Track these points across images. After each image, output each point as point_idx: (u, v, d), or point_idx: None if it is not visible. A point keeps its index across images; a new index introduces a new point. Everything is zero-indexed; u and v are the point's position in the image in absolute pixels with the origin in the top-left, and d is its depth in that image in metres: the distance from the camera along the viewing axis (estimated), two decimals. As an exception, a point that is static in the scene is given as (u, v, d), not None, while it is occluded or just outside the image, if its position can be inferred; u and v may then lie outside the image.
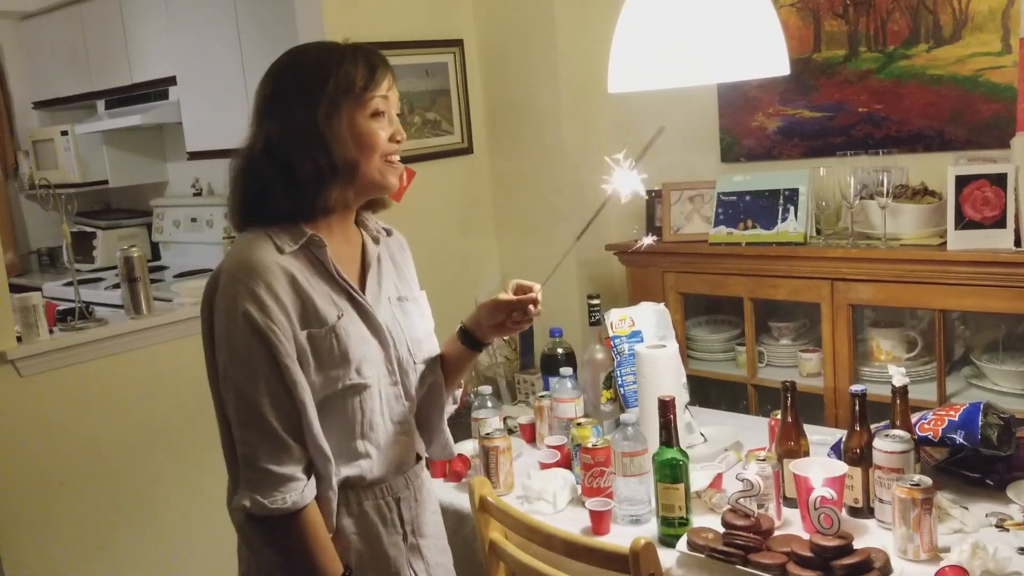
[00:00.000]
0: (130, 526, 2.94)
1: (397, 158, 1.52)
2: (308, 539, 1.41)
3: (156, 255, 5.02)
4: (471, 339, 1.65)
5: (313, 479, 1.43)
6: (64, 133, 4.79)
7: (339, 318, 1.46)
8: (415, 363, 1.59)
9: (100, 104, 4.95)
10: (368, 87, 1.46)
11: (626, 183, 1.63)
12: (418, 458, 1.64)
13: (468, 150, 3.42)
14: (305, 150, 1.44)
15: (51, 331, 2.84)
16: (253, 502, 1.39)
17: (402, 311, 1.60)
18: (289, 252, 1.45)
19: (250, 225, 1.50)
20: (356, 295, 1.51)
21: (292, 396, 1.40)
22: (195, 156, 4.22)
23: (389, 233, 1.67)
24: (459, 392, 1.79)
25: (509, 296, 1.59)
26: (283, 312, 1.40)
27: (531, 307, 1.57)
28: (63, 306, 3.18)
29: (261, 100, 1.50)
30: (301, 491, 1.40)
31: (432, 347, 1.66)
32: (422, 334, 1.63)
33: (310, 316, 1.44)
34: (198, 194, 4.82)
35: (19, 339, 2.73)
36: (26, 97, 5.22)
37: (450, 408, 1.74)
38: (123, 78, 4.59)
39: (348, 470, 1.49)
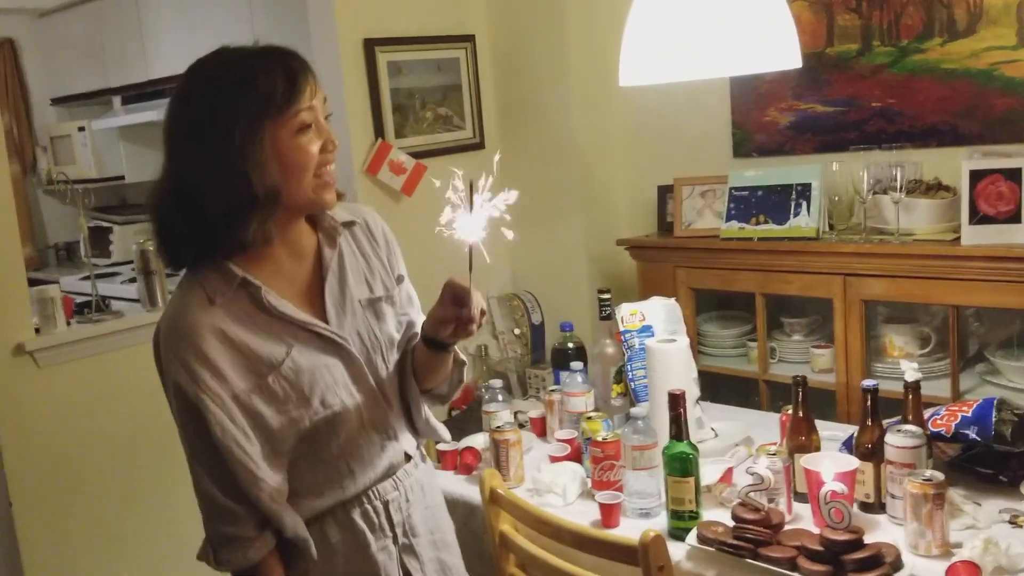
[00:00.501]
0: (146, 516, 2.96)
1: (331, 168, 1.38)
2: None
3: (171, 250, 5.05)
4: (436, 343, 1.51)
5: (267, 534, 1.39)
6: (81, 129, 4.83)
7: (287, 355, 1.38)
8: (388, 367, 1.52)
9: (116, 100, 4.98)
10: (291, 101, 1.31)
11: (471, 228, 1.44)
12: (408, 457, 1.56)
13: (480, 145, 3.43)
14: (219, 184, 1.30)
15: (68, 323, 2.87)
16: (206, 557, 1.43)
17: (375, 314, 1.50)
18: (221, 301, 1.36)
19: (179, 263, 1.41)
20: (308, 326, 1.41)
21: (229, 463, 1.34)
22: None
23: (350, 223, 1.53)
24: (458, 385, 1.65)
25: (445, 312, 1.45)
26: (215, 376, 1.32)
27: (471, 326, 1.44)
28: (80, 300, 3.22)
29: (168, 128, 1.35)
30: (246, 553, 1.38)
31: (412, 335, 1.57)
32: (396, 333, 1.54)
33: (254, 364, 1.36)
34: (213, 189, 4.84)
35: (37, 331, 2.76)
36: (44, 93, 5.27)
37: (432, 403, 1.64)
38: (139, 74, 4.62)
39: (333, 494, 1.45)
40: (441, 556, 1.62)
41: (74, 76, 5.06)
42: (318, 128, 1.36)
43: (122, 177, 4.92)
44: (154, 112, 4.48)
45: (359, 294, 1.49)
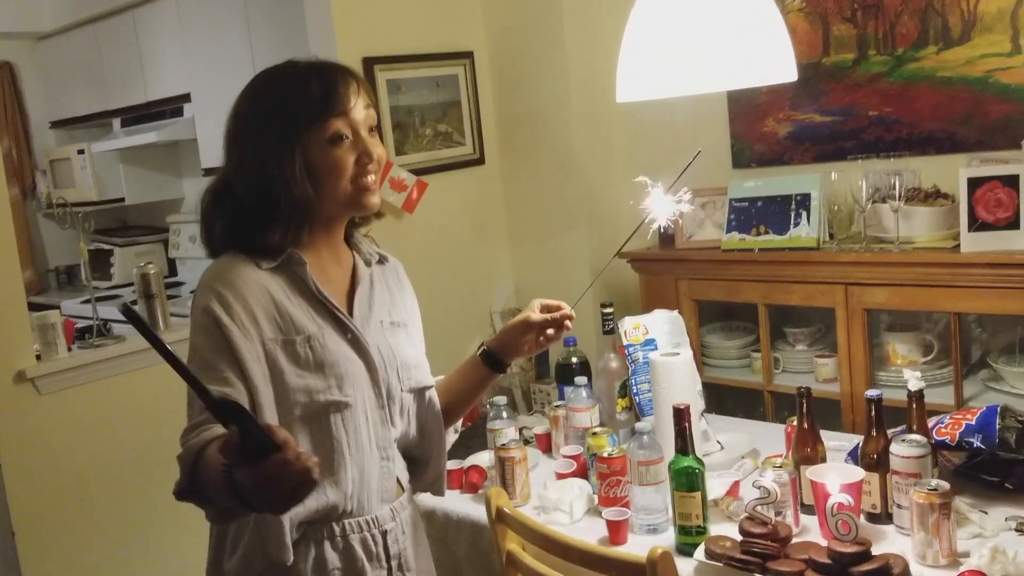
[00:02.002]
0: (150, 542, 2.95)
1: (371, 178, 1.43)
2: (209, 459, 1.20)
3: (173, 271, 5.06)
4: (493, 360, 1.63)
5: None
6: (81, 152, 4.84)
7: (319, 331, 1.42)
8: (403, 389, 1.53)
9: (116, 122, 5.00)
10: (322, 112, 1.38)
11: (663, 207, 1.69)
12: (401, 488, 1.56)
13: (480, 161, 3.44)
14: (254, 188, 1.39)
15: (70, 349, 2.87)
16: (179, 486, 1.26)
17: (393, 335, 1.54)
18: (267, 268, 1.42)
19: (216, 254, 1.46)
20: (339, 314, 1.46)
21: (245, 382, 1.32)
22: (210, 172, 4.25)
23: (384, 260, 1.61)
24: (459, 423, 1.73)
25: (541, 315, 1.58)
26: (250, 317, 1.36)
27: (567, 322, 1.57)
28: (81, 323, 3.22)
29: (226, 133, 1.45)
30: (200, 434, 1.24)
31: (422, 376, 1.59)
32: (412, 360, 1.56)
33: (287, 325, 1.39)
34: (213, 210, 4.85)
35: (38, 357, 2.76)
36: (43, 117, 5.29)
37: (451, 437, 1.70)
38: (138, 96, 4.64)
39: (333, 494, 1.43)
40: None
41: (73, 99, 5.08)
42: (355, 139, 1.41)
43: (122, 199, 4.93)
44: (154, 134, 4.50)
45: (381, 315, 1.54)
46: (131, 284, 4.46)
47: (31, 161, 5.26)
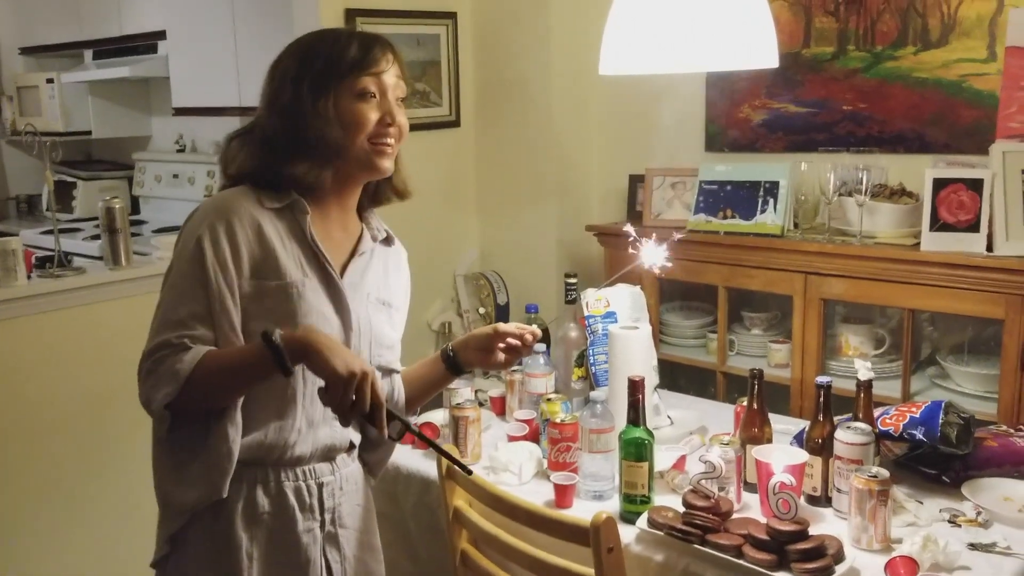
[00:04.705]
0: (99, 475, 2.94)
1: (390, 141, 1.50)
2: (223, 355, 1.36)
3: (136, 209, 4.98)
4: (453, 362, 1.67)
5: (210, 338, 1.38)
6: (50, 81, 4.73)
7: (301, 281, 1.45)
8: (371, 363, 1.56)
9: (88, 54, 4.89)
10: (357, 68, 1.46)
11: (652, 255, 1.82)
12: (352, 447, 1.61)
13: (456, 123, 3.42)
14: (286, 124, 1.46)
15: (29, 277, 2.83)
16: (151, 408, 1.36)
17: (376, 311, 1.59)
18: (269, 207, 1.46)
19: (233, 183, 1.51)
20: (329, 268, 1.49)
21: (210, 322, 1.38)
22: (181, 112, 4.19)
23: (390, 242, 1.67)
24: (412, 417, 1.80)
25: (509, 327, 1.64)
26: (234, 256, 1.40)
27: (528, 336, 1.63)
28: (41, 254, 3.17)
29: (266, 78, 1.52)
30: (180, 356, 1.34)
31: (393, 358, 1.64)
32: (387, 340, 1.61)
33: (268, 269, 1.43)
34: (181, 150, 4.79)
35: (-4, 284, 2.72)
36: (13, 42, 5.15)
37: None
38: (112, 29, 4.53)
39: (273, 435, 1.46)
40: (365, 558, 1.63)
41: (45, 27, 4.96)
42: (382, 100, 1.48)
43: (89, 132, 4.83)
44: (126, 68, 4.41)
45: (370, 288, 1.59)
46: (93, 219, 4.39)
47: (-3, 86, 5.13)
